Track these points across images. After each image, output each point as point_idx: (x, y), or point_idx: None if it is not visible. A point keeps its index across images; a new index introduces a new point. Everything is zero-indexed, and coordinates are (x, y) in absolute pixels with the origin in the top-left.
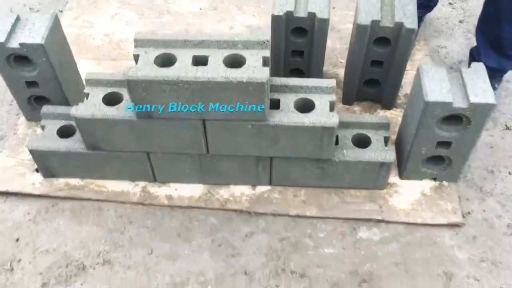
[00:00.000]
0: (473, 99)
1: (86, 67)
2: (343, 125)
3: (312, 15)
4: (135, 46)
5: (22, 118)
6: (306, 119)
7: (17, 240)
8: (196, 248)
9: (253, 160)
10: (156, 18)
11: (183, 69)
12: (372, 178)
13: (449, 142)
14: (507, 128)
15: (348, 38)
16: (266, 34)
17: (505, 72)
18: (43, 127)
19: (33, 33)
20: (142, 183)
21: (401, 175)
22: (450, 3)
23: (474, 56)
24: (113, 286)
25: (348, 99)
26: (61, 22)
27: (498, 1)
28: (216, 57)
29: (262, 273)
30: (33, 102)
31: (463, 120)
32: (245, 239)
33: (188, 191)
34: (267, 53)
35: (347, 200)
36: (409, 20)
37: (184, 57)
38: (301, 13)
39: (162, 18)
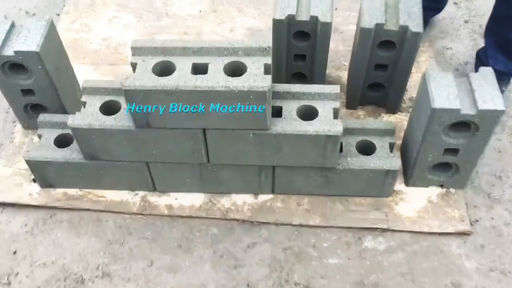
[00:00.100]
0: (482, 105)
1: (83, 72)
2: (347, 131)
3: (314, 19)
4: (133, 55)
5: (19, 126)
6: (310, 127)
7: (15, 252)
8: (197, 260)
9: (255, 169)
10: (155, 21)
11: (182, 78)
12: (377, 185)
13: (457, 149)
14: None
15: (351, 40)
16: (267, 39)
17: None
18: (40, 136)
19: (28, 41)
20: (141, 193)
21: (407, 182)
22: (455, 3)
23: (481, 58)
24: None
25: (351, 103)
26: (58, 26)
27: (508, 2)
28: (216, 65)
29: (265, 284)
30: (29, 110)
31: (471, 127)
32: (247, 250)
33: (189, 200)
34: (268, 60)
35: (351, 209)
36: (414, 23)
37: (183, 65)
38: (303, 16)
39: (161, 21)
